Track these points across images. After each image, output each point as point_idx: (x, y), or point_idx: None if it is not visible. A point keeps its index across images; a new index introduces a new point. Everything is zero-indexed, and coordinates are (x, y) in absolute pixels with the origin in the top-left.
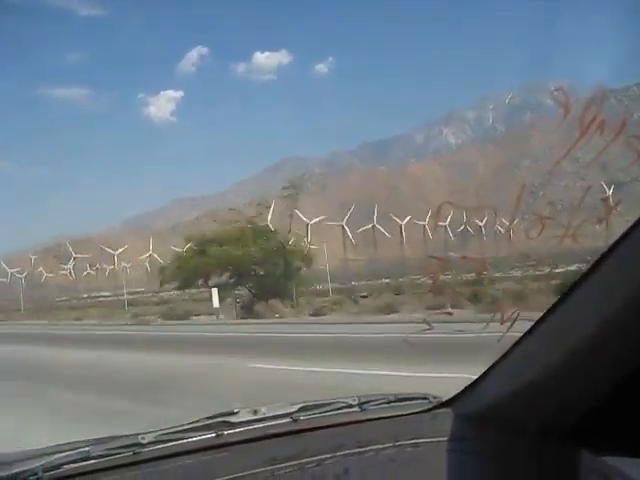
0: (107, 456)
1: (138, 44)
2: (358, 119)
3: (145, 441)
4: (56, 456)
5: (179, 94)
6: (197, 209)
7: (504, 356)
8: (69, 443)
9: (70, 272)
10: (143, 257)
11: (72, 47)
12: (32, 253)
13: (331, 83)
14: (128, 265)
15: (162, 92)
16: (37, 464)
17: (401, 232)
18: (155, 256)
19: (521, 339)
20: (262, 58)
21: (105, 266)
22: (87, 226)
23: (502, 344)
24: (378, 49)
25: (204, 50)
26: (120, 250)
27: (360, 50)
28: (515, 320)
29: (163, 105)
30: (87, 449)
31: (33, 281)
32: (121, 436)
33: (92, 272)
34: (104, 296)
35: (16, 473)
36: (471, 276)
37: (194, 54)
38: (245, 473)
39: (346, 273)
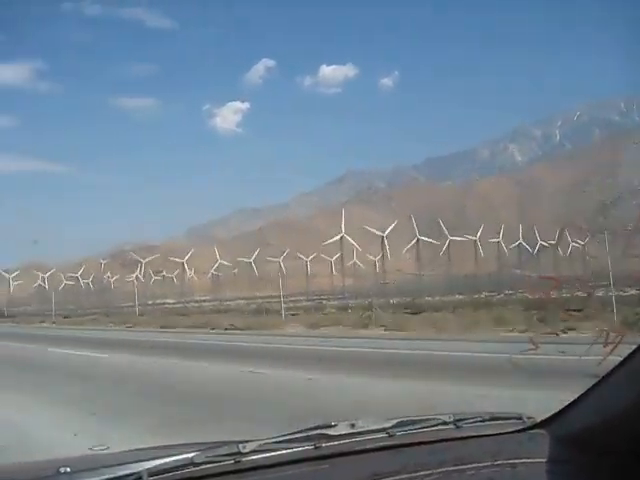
0: (210, 463)
1: (206, 56)
2: (422, 134)
3: (246, 450)
4: (160, 461)
5: (245, 106)
6: (260, 219)
7: (602, 379)
8: (169, 446)
9: (137, 278)
10: (209, 265)
11: (142, 58)
12: (102, 258)
13: (396, 97)
14: (193, 273)
15: (228, 103)
16: (141, 468)
17: (475, 247)
18: (225, 263)
19: (622, 363)
20: (328, 71)
21: (169, 274)
22: (151, 233)
23: (603, 367)
24: (443, 65)
25: (271, 63)
26: (187, 257)
27: (426, 65)
28: (618, 344)
29: (229, 116)
30: (190, 456)
31: (101, 286)
32: (221, 443)
33: (158, 279)
34: (169, 303)
35: (120, 476)
36: (579, 295)
37: (261, 66)
38: None
39: (418, 287)
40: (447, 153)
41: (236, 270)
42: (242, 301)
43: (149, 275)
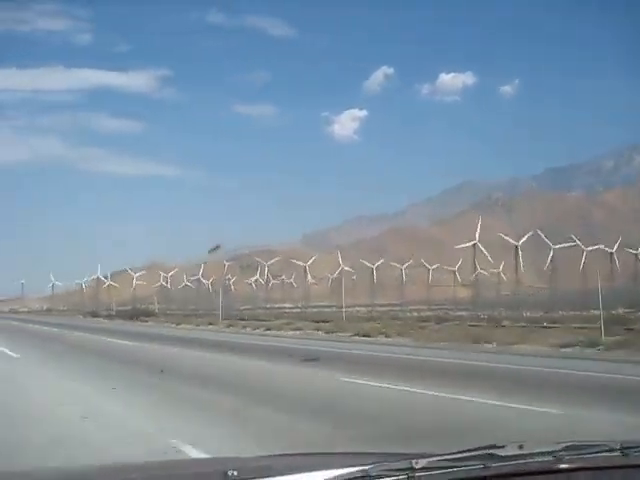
0: (383, 477)
1: (325, 63)
2: (541, 144)
3: (418, 466)
4: (337, 471)
5: (363, 113)
6: (376, 227)
7: None
8: (339, 454)
9: (257, 281)
10: (326, 271)
11: (263, 65)
12: (225, 260)
13: (515, 106)
14: (313, 279)
15: (346, 111)
16: (317, 477)
17: (611, 260)
18: (347, 269)
19: None
20: (447, 79)
21: (287, 279)
22: (267, 238)
23: None
24: (566, 72)
25: (390, 70)
26: (310, 262)
27: (548, 71)
28: None
29: (347, 123)
30: (366, 468)
31: (222, 288)
32: (392, 455)
33: (276, 282)
34: (287, 307)
35: None
36: None
37: (380, 74)
38: None
39: (542, 300)
40: (567, 164)
41: (354, 277)
42: (362, 308)
43: (268, 279)
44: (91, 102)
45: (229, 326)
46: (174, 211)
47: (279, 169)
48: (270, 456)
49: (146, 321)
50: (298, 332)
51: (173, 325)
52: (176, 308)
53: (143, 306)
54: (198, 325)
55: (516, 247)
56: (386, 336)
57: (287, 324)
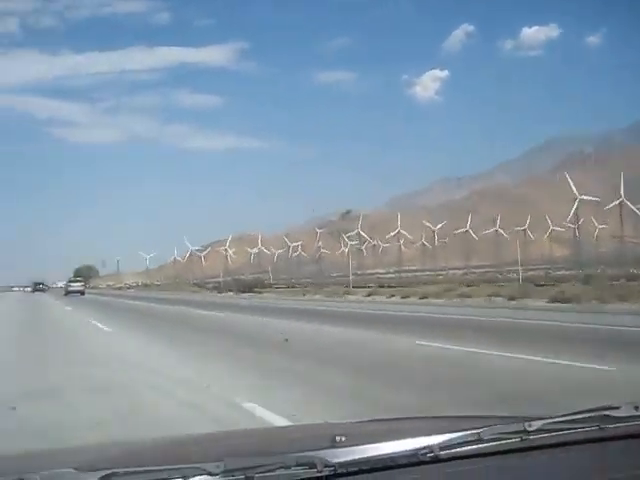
0: (497, 440)
1: (404, 25)
2: (634, 94)
3: (532, 428)
4: (450, 435)
5: (444, 73)
6: (463, 188)
7: None
8: (448, 418)
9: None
10: (415, 235)
11: (340, 31)
12: (317, 227)
13: (602, 56)
14: (401, 243)
15: (427, 72)
16: (431, 441)
17: None
18: (434, 228)
19: None
20: (530, 33)
21: (379, 243)
22: (353, 205)
23: None
24: None
25: (470, 28)
26: (399, 226)
27: (637, 18)
28: None
29: (428, 85)
30: (479, 431)
31: (314, 256)
32: (504, 418)
33: (362, 250)
34: (380, 274)
35: (416, 448)
36: None
37: (460, 32)
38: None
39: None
40: None
41: (446, 239)
42: (457, 271)
43: (360, 244)
44: (173, 79)
45: (369, 295)
46: (257, 182)
47: (361, 135)
48: (373, 420)
49: (260, 292)
50: (476, 300)
51: (304, 297)
52: (284, 278)
53: (242, 277)
54: (330, 296)
55: (620, 202)
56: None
57: (447, 290)
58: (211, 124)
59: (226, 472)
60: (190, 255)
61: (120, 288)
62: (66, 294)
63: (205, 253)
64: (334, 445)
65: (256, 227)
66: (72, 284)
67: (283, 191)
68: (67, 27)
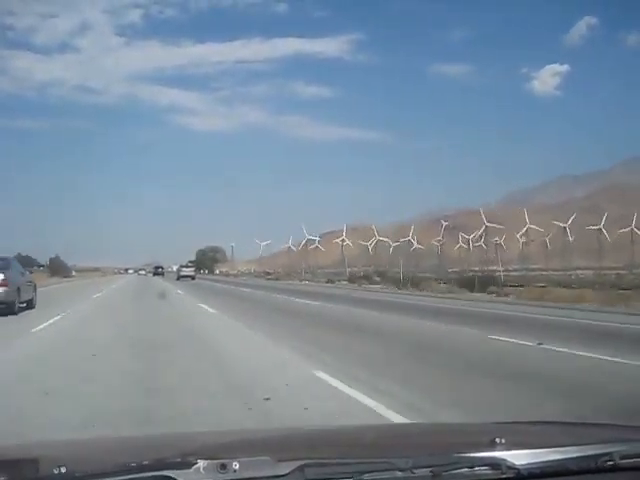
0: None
1: (524, 17)
2: None
3: None
4: (634, 445)
5: (564, 68)
6: (582, 186)
7: None
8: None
9: (468, 243)
10: (533, 232)
11: (459, 23)
12: (443, 219)
13: None
14: (522, 240)
15: (547, 66)
16: (612, 449)
17: None
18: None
19: None
20: None
21: (495, 241)
22: (468, 199)
23: None
24: None
25: (593, 20)
26: (526, 228)
27: None
28: None
29: (547, 79)
30: (622, 448)
31: (429, 250)
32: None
33: (483, 246)
34: (497, 271)
35: (595, 454)
36: None
37: (582, 25)
38: None
39: None
40: None
41: (572, 238)
42: (586, 271)
43: (479, 240)
44: (288, 70)
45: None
46: (370, 173)
47: (477, 128)
48: (527, 423)
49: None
50: None
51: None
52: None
53: (355, 268)
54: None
55: None
56: None
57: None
58: (325, 115)
59: (414, 468)
60: (305, 244)
61: (235, 275)
62: (178, 278)
63: (320, 243)
64: (498, 447)
65: (368, 219)
66: (184, 269)
67: (396, 183)
68: (188, 18)
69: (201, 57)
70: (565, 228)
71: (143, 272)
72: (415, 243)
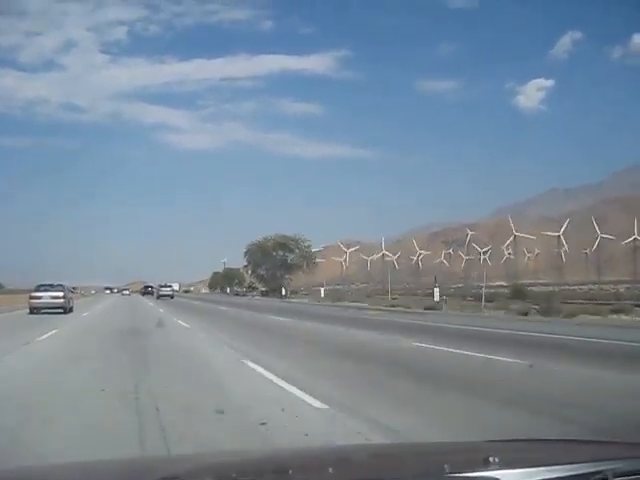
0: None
1: (510, 33)
2: None
3: None
4: (625, 463)
5: (549, 82)
6: (573, 199)
7: None
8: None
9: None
10: (534, 246)
11: (444, 39)
12: (426, 235)
13: None
14: (527, 254)
15: (532, 81)
16: (607, 467)
17: None
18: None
19: None
20: None
21: (495, 255)
22: (459, 214)
23: None
24: None
25: (577, 35)
26: (515, 236)
27: None
28: None
29: (532, 94)
30: (617, 466)
31: (430, 265)
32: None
33: (475, 259)
34: (502, 286)
35: (584, 473)
36: None
37: (567, 40)
38: None
39: None
40: None
41: (563, 250)
42: (587, 286)
43: (476, 254)
44: (274, 87)
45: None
46: (359, 190)
47: (463, 144)
48: (517, 441)
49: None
50: None
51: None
52: (404, 287)
53: (353, 285)
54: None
55: None
56: None
57: None
58: (312, 132)
59: None
60: None
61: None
62: (158, 297)
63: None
64: (491, 466)
65: (360, 234)
66: (162, 289)
67: (384, 199)
68: (174, 35)
69: (187, 74)
70: (558, 236)
71: (127, 292)
72: (416, 258)
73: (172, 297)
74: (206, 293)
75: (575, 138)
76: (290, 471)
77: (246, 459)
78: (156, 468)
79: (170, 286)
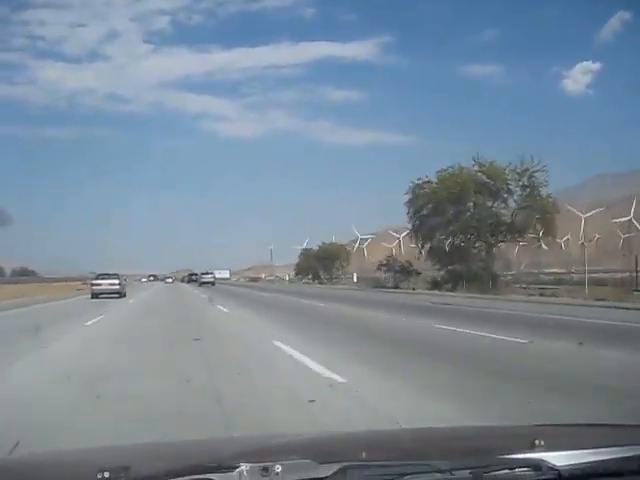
0: None
1: (555, 15)
2: None
3: None
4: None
5: (596, 65)
6: (620, 185)
7: None
8: None
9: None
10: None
11: (489, 23)
12: None
13: None
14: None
15: (578, 64)
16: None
17: None
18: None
19: None
20: None
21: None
22: None
23: None
24: None
25: (626, 15)
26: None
27: None
28: None
29: (579, 78)
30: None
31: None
32: None
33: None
34: (556, 273)
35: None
36: None
37: (615, 21)
38: None
39: None
40: None
41: (625, 235)
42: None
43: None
44: (316, 74)
45: None
46: (400, 177)
47: (509, 129)
48: (563, 425)
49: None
50: None
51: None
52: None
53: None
54: None
55: None
56: None
57: None
58: (354, 119)
59: (454, 469)
60: (358, 245)
61: (271, 281)
62: (200, 285)
63: (366, 244)
64: (537, 448)
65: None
66: (204, 276)
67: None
68: (216, 24)
69: (230, 62)
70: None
71: (170, 280)
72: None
73: (213, 284)
74: (283, 281)
75: (623, 123)
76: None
77: (282, 442)
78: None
79: (212, 273)
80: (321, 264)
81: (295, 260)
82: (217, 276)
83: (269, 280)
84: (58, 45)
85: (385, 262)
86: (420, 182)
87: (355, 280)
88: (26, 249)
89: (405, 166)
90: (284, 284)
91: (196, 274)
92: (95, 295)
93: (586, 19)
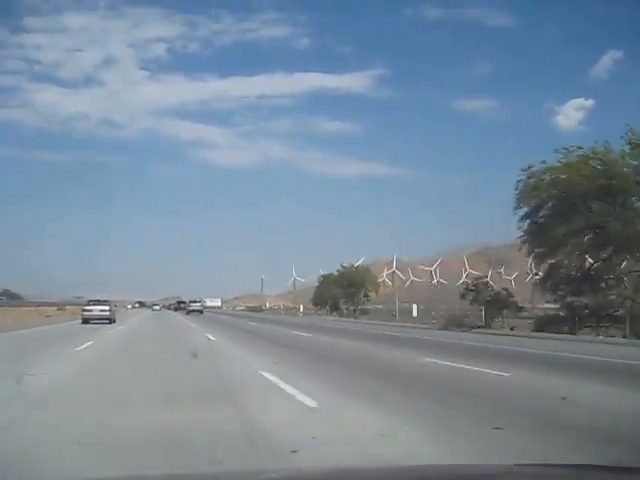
0: None
1: (549, 52)
2: None
3: None
4: None
5: (589, 102)
6: None
7: None
8: None
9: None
10: None
11: (481, 59)
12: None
13: None
14: None
15: (571, 101)
16: None
17: None
18: None
19: None
20: None
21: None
22: (485, 236)
23: None
24: None
25: (618, 54)
26: None
27: None
28: None
29: (571, 114)
30: None
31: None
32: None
33: (520, 279)
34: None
35: None
36: None
37: (607, 59)
38: None
39: None
40: None
41: None
42: None
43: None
44: (310, 105)
45: None
46: (394, 208)
47: (500, 164)
48: (548, 465)
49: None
50: None
51: None
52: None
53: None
54: None
55: None
56: None
57: None
58: (346, 150)
59: None
60: None
61: (260, 310)
62: (187, 313)
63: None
64: None
65: (391, 253)
66: (192, 304)
67: (419, 217)
68: (212, 52)
69: (224, 91)
70: None
71: (157, 307)
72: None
73: (202, 312)
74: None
75: None
76: None
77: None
78: None
79: (200, 301)
80: (343, 292)
81: (287, 289)
82: (208, 304)
83: (273, 310)
84: (55, 69)
85: (473, 286)
86: (535, 169)
87: (415, 314)
88: (10, 271)
89: (396, 196)
90: (298, 317)
91: (184, 302)
92: (86, 320)
93: (578, 56)
